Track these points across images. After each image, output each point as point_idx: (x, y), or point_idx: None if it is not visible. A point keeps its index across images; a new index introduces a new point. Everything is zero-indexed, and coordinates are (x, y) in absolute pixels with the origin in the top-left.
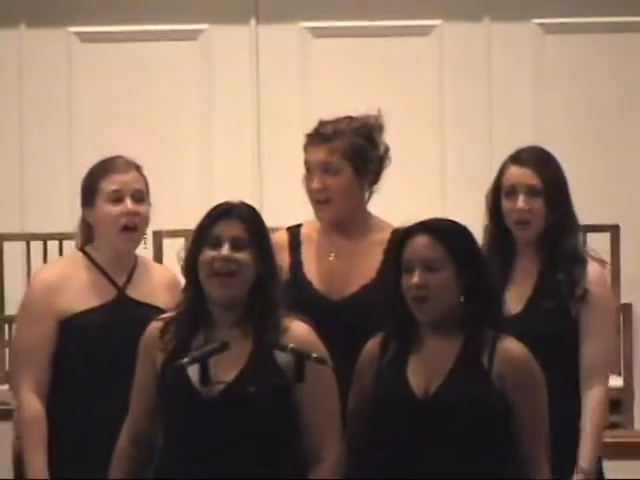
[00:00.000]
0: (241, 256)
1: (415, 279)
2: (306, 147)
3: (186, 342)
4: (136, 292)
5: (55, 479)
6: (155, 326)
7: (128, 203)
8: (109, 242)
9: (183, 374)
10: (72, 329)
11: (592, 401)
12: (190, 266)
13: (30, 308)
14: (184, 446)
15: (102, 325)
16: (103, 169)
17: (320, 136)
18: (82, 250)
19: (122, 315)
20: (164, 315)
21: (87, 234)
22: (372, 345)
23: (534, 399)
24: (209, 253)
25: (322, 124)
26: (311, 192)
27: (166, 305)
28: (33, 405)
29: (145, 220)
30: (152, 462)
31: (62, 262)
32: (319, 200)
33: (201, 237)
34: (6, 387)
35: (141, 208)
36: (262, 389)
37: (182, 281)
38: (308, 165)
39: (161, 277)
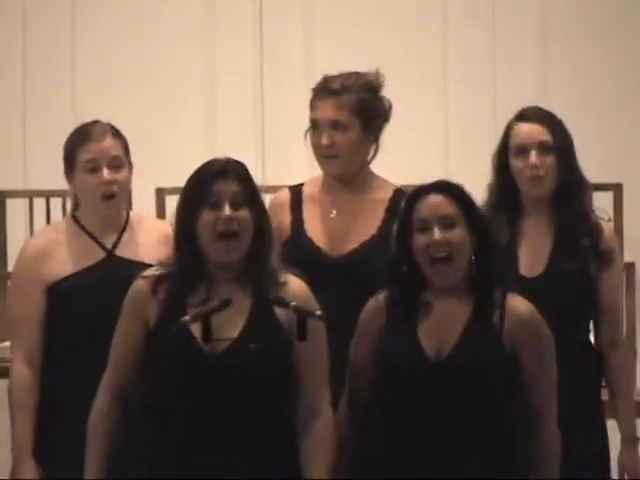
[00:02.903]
0: (242, 214)
1: (436, 236)
2: (313, 102)
3: (183, 299)
4: (127, 251)
5: (46, 446)
6: (144, 283)
7: (104, 173)
8: (91, 210)
9: (185, 331)
10: (60, 293)
11: (623, 366)
12: (186, 226)
13: (19, 278)
14: (185, 404)
15: (90, 286)
16: (79, 138)
17: (328, 90)
18: (72, 216)
19: (111, 275)
20: (150, 272)
21: (76, 199)
22: (374, 306)
23: (544, 357)
24: (210, 214)
25: (328, 79)
26: (319, 148)
27: (159, 260)
28: (22, 376)
29: (124, 185)
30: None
31: (50, 229)
32: (326, 155)
33: (197, 197)
34: (8, 344)
35: (119, 175)
36: (265, 345)
37: None
38: (316, 122)
39: (155, 232)
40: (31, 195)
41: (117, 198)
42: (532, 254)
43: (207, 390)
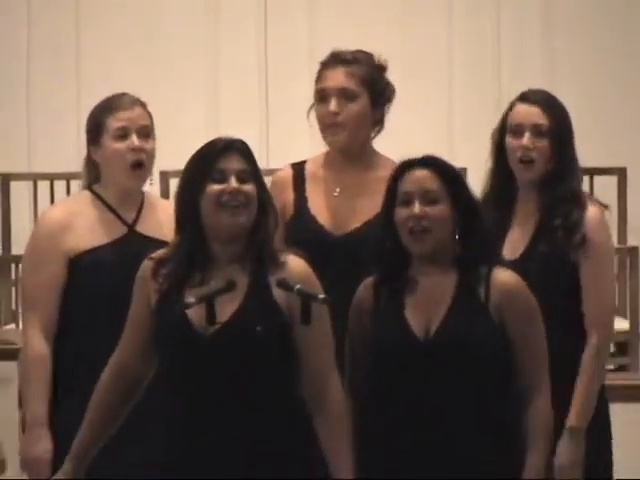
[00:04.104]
0: (248, 188)
1: (415, 210)
2: (322, 73)
3: (182, 282)
4: (145, 228)
5: (58, 419)
6: (149, 264)
7: (134, 139)
8: (116, 180)
9: (182, 314)
10: (82, 267)
11: (587, 355)
12: (188, 203)
13: (37, 248)
14: (182, 386)
15: (113, 261)
16: (108, 107)
17: (339, 60)
18: (90, 189)
19: (133, 251)
20: (157, 253)
21: (93, 173)
22: (364, 289)
23: (532, 327)
24: (215, 187)
25: (338, 51)
26: (325, 117)
27: None
28: (38, 347)
29: (151, 156)
30: (135, 398)
31: (69, 201)
32: (332, 123)
33: (202, 173)
34: (12, 326)
35: (147, 144)
36: (261, 327)
37: None
38: (323, 91)
39: (168, 213)
40: (35, 178)
41: (144, 168)
42: (516, 238)
43: (203, 371)
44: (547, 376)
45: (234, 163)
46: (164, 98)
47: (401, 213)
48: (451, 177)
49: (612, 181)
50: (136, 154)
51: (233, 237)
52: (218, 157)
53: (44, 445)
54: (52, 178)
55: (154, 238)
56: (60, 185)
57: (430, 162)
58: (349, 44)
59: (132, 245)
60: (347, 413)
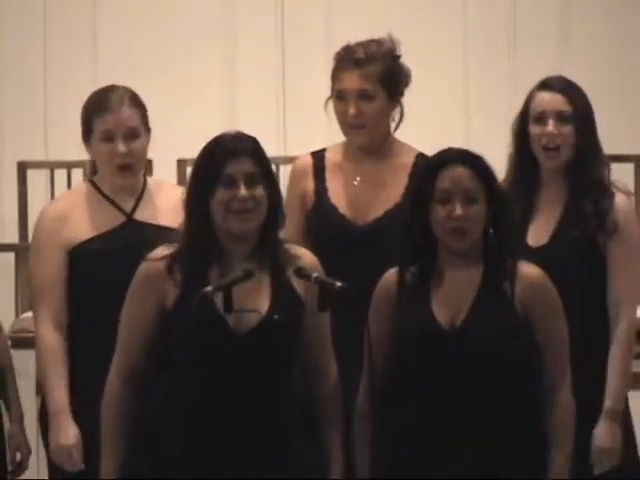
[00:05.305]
0: (257, 192)
1: (458, 211)
2: (337, 73)
3: (203, 275)
4: (145, 215)
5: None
6: (156, 263)
7: (119, 145)
8: (108, 177)
9: (210, 305)
10: (80, 257)
11: (619, 337)
12: (199, 205)
13: (39, 242)
14: (211, 380)
15: (111, 250)
16: (97, 106)
17: (352, 61)
18: (90, 180)
19: (132, 239)
20: (158, 253)
21: (95, 165)
22: (388, 278)
23: (556, 322)
24: (224, 193)
25: (350, 49)
26: (345, 118)
27: (177, 224)
28: (50, 338)
29: (140, 156)
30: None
31: (68, 194)
32: (354, 125)
33: (211, 177)
34: (29, 314)
35: (134, 145)
36: (292, 319)
37: None
38: (341, 92)
39: (172, 196)
40: (52, 166)
41: (133, 168)
42: (541, 225)
43: (234, 366)
44: (569, 370)
45: (243, 166)
46: (181, 86)
47: (440, 211)
48: (488, 175)
49: (628, 169)
50: (122, 158)
51: (243, 238)
52: (225, 161)
53: (72, 433)
54: (69, 166)
55: (154, 224)
56: (77, 173)
57: (468, 159)
58: (365, 31)
59: (130, 233)
60: (340, 394)
